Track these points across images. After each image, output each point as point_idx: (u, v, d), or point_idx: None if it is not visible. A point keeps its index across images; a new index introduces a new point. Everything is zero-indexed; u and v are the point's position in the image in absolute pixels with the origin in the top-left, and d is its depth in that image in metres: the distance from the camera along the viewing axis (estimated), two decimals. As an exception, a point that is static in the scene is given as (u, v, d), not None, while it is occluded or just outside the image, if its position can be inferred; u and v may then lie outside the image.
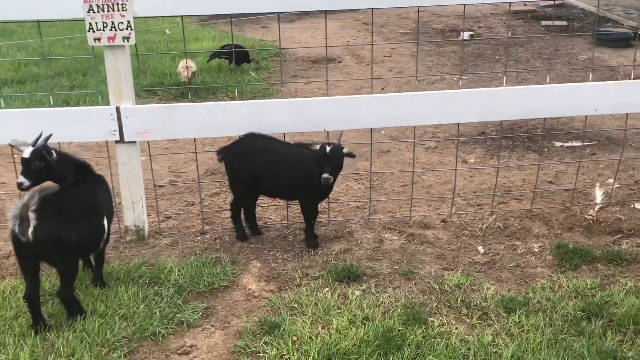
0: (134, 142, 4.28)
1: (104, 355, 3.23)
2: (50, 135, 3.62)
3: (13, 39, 11.50)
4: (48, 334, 3.35)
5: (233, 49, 8.81)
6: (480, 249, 4.35)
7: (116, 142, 4.26)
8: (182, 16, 4.31)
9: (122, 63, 4.14)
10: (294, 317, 3.54)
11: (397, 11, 14.11)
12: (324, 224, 4.73)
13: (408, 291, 3.81)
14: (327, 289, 3.82)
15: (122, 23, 4.02)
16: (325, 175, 3.89)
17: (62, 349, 3.24)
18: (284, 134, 4.46)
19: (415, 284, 3.90)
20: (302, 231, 4.53)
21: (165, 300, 3.71)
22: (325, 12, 4.40)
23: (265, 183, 4.27)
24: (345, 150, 3.99)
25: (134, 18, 4.03)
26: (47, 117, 4.15)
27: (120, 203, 4.56)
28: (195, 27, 13.27)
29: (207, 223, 4.80)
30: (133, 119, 4.20)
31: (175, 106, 4.28)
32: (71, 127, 4.17)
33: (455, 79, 9.01)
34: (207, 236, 4.58)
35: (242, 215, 4.50)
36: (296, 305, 3.65)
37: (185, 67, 8.23)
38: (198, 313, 3.62)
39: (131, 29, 4.04)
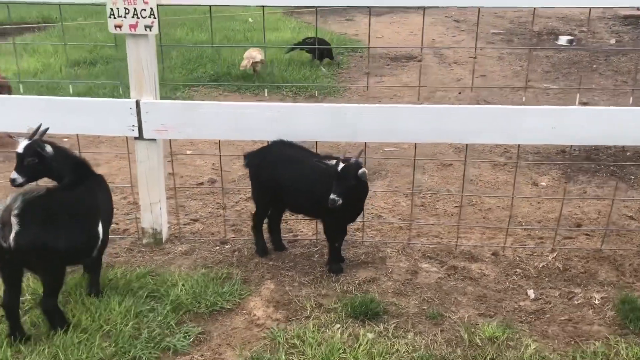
0: (154, 139, 3.95)
1: (73, 378, 2.91)
2: (46, 129, 3.34)
3: (99, 18, 11.64)
4: (22, 346, 3.07)
5: (315, 45, 8.44)
6: (531, 293, 3.72)
7: (135, 138, 3.95)
8: (209, 6, 3.92)
9: (144, 53, 3.81)
10: (291, 357, 3.09)
11: (492, 9, 13.24)
12: (356, 244, 4.23)
13: (431, 339, 3.25)
14: (338, 325, 3.34)
15: (145, 10, 3.68)
16: (332, 196, 3.39)
17: (29, 366, 2.95)
18: (316, 142, 4.01)
19: (442, 330, 3.34)
20: (326, 250, 4.07)
21: (158, 319, 3.35)
22: (424, 8, 4.05)
23: (288, 197, 3.84)
24: (361, 171, 3.46)
25: (158, 5, 3.68)
26: (65, 107, 3.89)
27: (137, 203, 4.26)
28: (279, 17, 13.00)
29: (235, 230, 4.43)
30: (153, 115, 3.87)
31: (198, 104, 3.91)
32: (90, 119, 3.90)
33: (542, 87, 8.19)
34: (227, 247, 4.20)
35: (267, 227, 4.10)
36: (297, 343, 3.19)
37: (250, 57, 7.91)
38: (189, 338, 3.24)
39: (154, 17, 3.69)
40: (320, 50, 8.84)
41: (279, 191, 3.81)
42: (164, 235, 4.23)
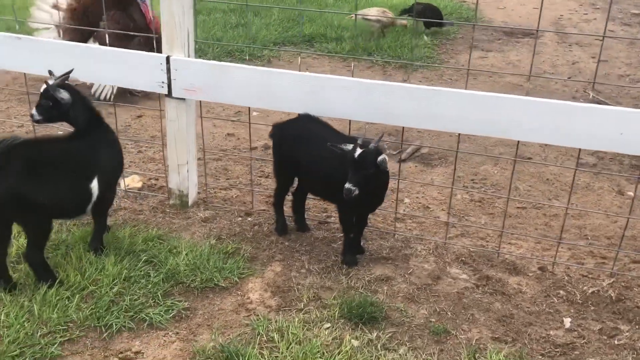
0: (184, 99, 3.78)
1: (39, 335, 2.84)
2: (69, 71, 3.25)
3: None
4: (3, 295, 3.06)
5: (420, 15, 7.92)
6: (567, 321, 3.20)
7: (165, 95, 3.79)
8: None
9: (176, 7, 3.61)
10: (263, 351, 2.84)
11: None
12: (386, 236, 3.86)
13: (424, 358, 2.87)
14: (327, 324, 3.04)
15: (179, -39, 3.47)
16: (348, 185, 3.03)
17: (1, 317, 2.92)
18: (350, 121, 3.65)
19: (441, 350, 2.94)
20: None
21: (148, 287, 3.23)
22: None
23: (305, 176, 3.55)
24: (380, 159, 3.06)
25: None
26: (100, 56, 3.80)
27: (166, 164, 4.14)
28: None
29: (267, 202, 4.20)
30: (183, 73, 3.69)
31: (227, 66, 3.66)
32: (122, 71, 3.79)
33: (669, 80, 7.15)
34: (249, 219, 3.99)
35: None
36: (276, 337, 2.93)
37: (382, 12, 7.56)
38: (171, 313, 3.08)
39: (188, -31, 3.47)
40: (429, 15, 8.26)
41: (297, 168, 3.52)
42: (191, 199, 4.09)
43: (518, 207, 4.39)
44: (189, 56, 3.74)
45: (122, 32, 5.41)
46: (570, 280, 3.53)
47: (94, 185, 3.16)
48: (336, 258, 3.58)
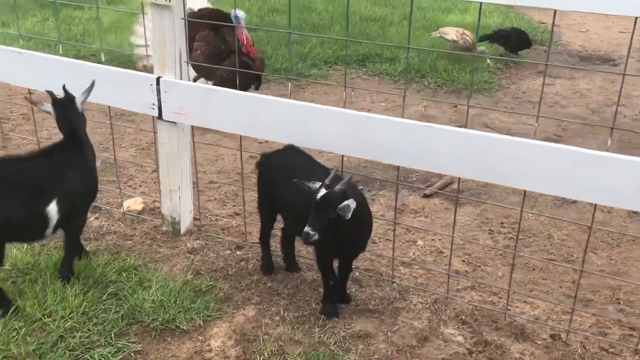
0: (175, 122, 3.58)
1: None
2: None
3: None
4: (-46, 321, 2.94)
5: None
6: (569, 408, 2.71)
7: (157, 118, 3.61)
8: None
9: (167, 25, 3.42)
10: (199, 413, 2.55)
11: None
12: (383, 282, 3.48)
13: None
14: (281, 387, 2.70)
15: (168, -22, 3.27)
16: (307, 229, 2.68)
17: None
18: (342, 156, 3.32)
19: None
20: (350, 281, 3.41)
21: (104, 323, 3.02)
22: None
23: (281, 212, 3.25)
24: (343, 204, 2.68)
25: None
26: (93, 74, 3.62)
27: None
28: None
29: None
30: (172, 95, 3.49)
31: (214, 89, 3.41)
32: (113, 91, 3.63)
33: None
34: (238, 253, 3.72)
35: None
36: (219, 397, 2.63)
37: (461, 34, 7.22)
38: (118, 356, 2.85)
39: (177, -13, 3.27)
40: (517, 41, 7.90)
41: (275, 203, 3.23)
42: (184, 226, 3.88)
43: (546, 259, 3.88)
44: (180, 78, 3.54)
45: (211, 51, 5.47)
46: (585, 353, 3.02)
47: (51, 208, 2.97)
48: (316, 306, 3.25)
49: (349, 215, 2.65)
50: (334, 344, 2.97)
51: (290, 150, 3.23)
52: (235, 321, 3.13)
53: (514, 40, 7.91)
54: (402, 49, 7.93)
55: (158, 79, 3.49)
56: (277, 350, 2.93)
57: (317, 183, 2.75)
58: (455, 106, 6.44)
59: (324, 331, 3.06)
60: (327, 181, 2.73)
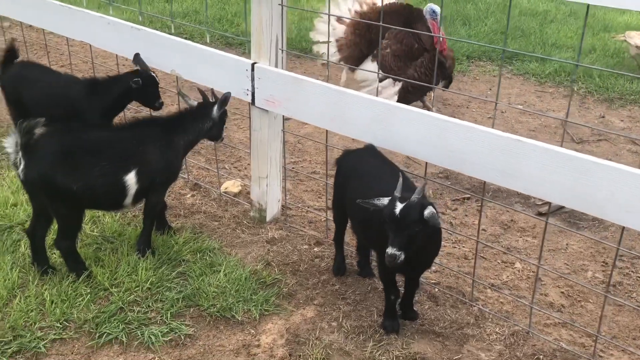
0: (266, 110, 3.54)
1: (36, 327, 2.84)
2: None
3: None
4: (30, 276, 3.13)
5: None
6: None
7: (250, 104, 3.59)
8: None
9: (265, 11, 3.37)
10: (223, 410, 2.49)
11: None
12: (460, 303, 3.19)
13: None
14: (314, 399, 2.57)
15: (268, -38, 3.21)
16: (391, 251, 2.44)
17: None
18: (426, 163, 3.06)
19: None
20: (425, 297, 3.19)
21: (162, 302, 3.07)
22: None
23: (349, 214, 3.07)
24: (427, 212, 2.43)
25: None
26: (197, 54, 3.70)
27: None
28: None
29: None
30: (265, 82, 3.44)
31: (302, 79, 3.27)
32: (213, 72, 3.66)
33: None
34: (315, 249, 3.61)
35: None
36: (249, 397, 2.55)
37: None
38: (169, 336, 2.88)
39: (276, -28, 3.19)
40: None
41: (345, 203, 3.07)
42: (270, 214, 3.84)
43: (656, 300, 3.34)
44: (276, 65, 3.48)
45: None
46: None
47: (129, 179, 3.05)
48: (379, 318, 3.05)
49: (438, 223, 2.42)
50: (384, 362, 2.77)
51: (367, 151, 3.04)
52: (291, 320, 3.03)
53: None
54: (557, 48, 7.28)
55: (253, 65, 3.45)
56: (323, 358, 2.79)
57: (383, 199, 2.53)
58: (603, 116, 5.78)
59: (378, 347, 2.86)
60: (396, 193, 2.49)
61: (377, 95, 5.04)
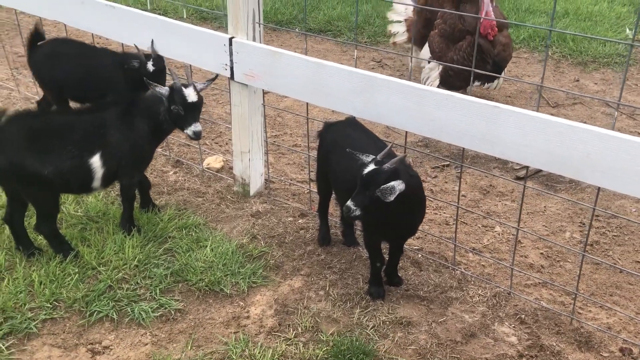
0: (246, 85, 3.54)
1: (26, 308, 2.87)
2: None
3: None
4: (17, 259, 3.15)
5: None
6: None
7: (229, 79, 3.59)
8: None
9: (240, -16, 3.35)
10: (217, 380, 2.55)
11: None
12: (442, 267, 3.27)
13: None
14: (304, 365, 2.64)
15: None
16: (349, 203, 2.54)
17: None
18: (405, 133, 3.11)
19: None
20: (409, 263, 3.26)
21: (151, 279, 3.10)
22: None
23: (333, 185, 3.12)
24: (389, 185, 2.47)
25: None
26: (174, 30, 3.68)
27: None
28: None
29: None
30: (243, 57, 3.44)
31: (280, 52, 3.28)
32: (190, 48, 3.65)
33: None
34: (300, 221, 3.66)
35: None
36: (241, 366, 2.61)
37: None
38: (159, 312, 2.92)
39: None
40: None
41: (328, 175, 3.11)
42: (253, 188, 3.88)
43: (638, 262, 3.45)
44: (253, 39, 3.48)
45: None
46: (657, 378, 2.66)
47: (94, 161, 3.04)
48: (365, 285, 3.12)
49: (390, 198, 2.47)
50: (371, 328, 2.84)
51: (348, 123, 3.08)
52: (279, 291, 3.09)
53: None
54: (531, 13, 7.33)
55: (231, 40, 3.45)
56: (312, 326, 2.85)
57: (369, 156, 2.59)
58: (577, 80, 5.87)
59: (365, 313, 2.94)
60: (379, 157, 2.55)
61: (425, 78, 5.07)
